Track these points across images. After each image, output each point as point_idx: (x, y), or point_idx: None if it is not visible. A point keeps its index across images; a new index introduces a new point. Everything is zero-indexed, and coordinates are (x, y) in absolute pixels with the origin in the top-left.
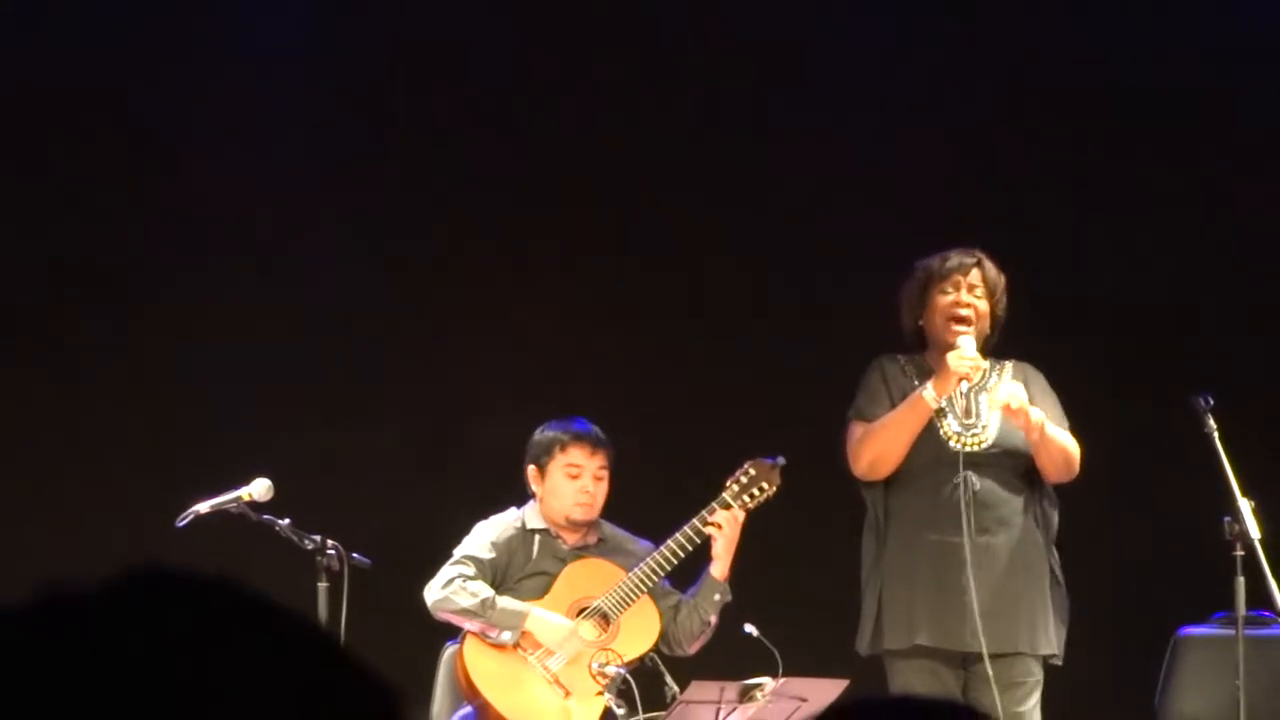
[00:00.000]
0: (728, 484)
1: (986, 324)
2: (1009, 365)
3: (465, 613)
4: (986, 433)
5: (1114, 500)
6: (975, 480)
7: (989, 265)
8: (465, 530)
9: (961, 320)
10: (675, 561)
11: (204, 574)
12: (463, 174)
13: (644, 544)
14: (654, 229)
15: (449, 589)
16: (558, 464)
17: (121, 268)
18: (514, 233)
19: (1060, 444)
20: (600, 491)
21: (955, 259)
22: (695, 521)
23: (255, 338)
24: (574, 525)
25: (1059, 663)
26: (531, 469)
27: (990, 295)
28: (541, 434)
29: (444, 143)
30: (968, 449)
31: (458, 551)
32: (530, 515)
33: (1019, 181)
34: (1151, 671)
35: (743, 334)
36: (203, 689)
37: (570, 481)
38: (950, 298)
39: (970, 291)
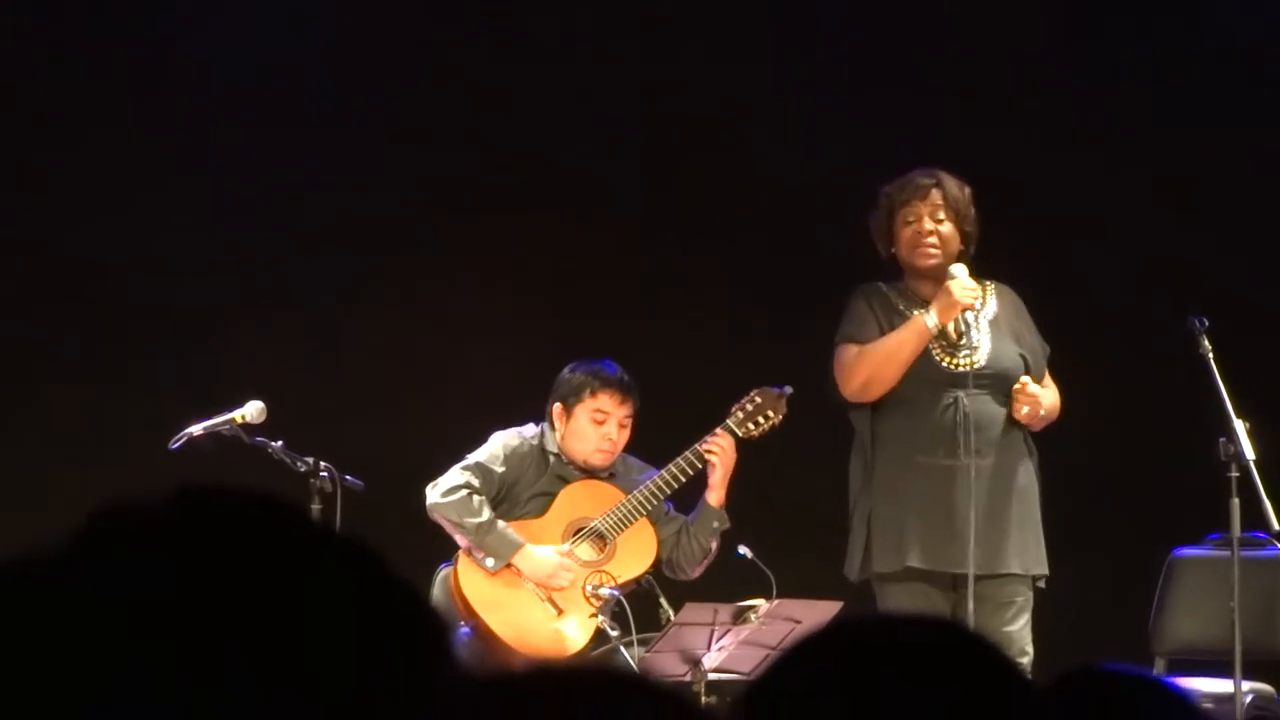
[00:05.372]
0: (733, 410)
1: (955, 244)
2: (990, 285)
3: (460, 527)
4: (978, 354)
5: (1109, 422)
6: (966, 401)
7: (949, 183)
8: (457, 453)
9: (928, 251)
10: (675, 486)
11: (258, 493)
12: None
13: (652, 473)
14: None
15: (452, 497)
16: (585, 407)
17: (108, 191)
18: (517, 166)
19: (1046, 419)
20: (622, 439)
21: (913, 184)
22: (697, 447)
23: (248, 260)
24: (590, 468)
25: (1043, 585)
26: (557, 406)
27: (955, 214)
28: (572, 373)
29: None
30: (959, 369)
31: (470, 457)
32: (549, 437)
33: (1015, 97)
34: (1146, 593)
35: (737, 252)
36: (256, 608)
37: (595, 427)
38: (912, 228)
39: (933, 216)
